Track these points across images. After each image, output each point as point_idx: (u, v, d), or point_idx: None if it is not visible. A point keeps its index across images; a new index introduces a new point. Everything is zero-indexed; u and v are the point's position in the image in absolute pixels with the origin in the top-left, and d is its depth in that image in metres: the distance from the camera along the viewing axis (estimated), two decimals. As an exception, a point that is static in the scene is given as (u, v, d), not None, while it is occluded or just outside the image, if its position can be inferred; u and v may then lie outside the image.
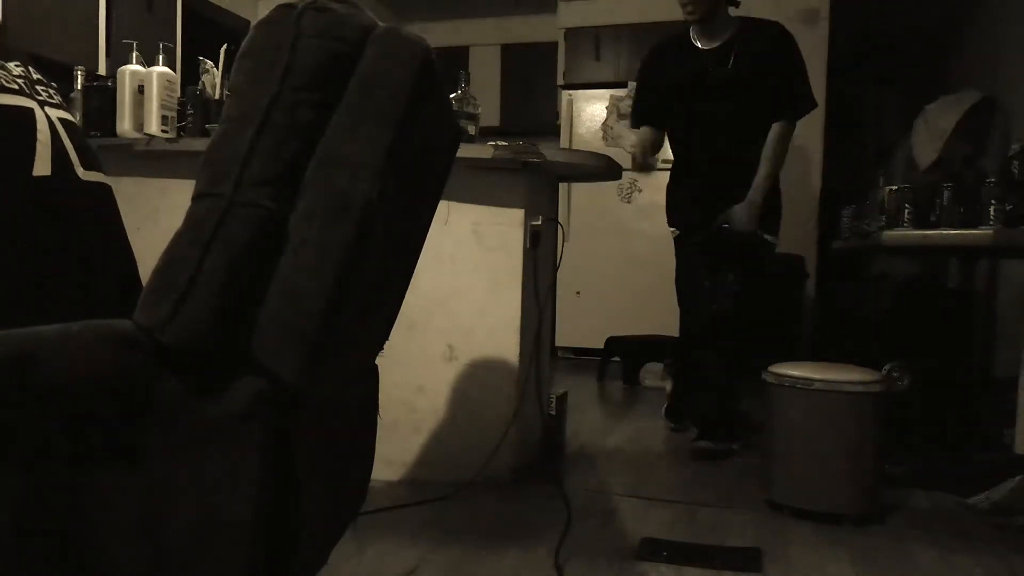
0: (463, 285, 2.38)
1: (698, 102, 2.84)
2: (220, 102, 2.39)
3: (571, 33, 5.48)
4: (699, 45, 2.87)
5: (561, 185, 3.02)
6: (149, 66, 2.38)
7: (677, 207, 3.00)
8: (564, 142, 5.24)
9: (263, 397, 0.81)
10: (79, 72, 2.47)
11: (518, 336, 2.38)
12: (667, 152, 3.03)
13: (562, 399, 2.80)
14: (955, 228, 2.88)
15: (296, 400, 0.85)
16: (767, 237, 2.84)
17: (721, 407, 2.88)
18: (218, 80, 2.44)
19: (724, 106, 2.80)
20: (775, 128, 2.79)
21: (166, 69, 2.37)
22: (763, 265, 2.90)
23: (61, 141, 0.99)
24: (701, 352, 2.91)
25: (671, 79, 2.90)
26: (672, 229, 3.02)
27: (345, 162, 0.85)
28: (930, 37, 5.46)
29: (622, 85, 5.19)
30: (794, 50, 2.80)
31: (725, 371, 2.87)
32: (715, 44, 2.83)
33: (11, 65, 0.99)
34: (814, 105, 2.83)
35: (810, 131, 4.91)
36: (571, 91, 5.31)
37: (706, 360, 2.89)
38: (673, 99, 2.90)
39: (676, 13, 3.05)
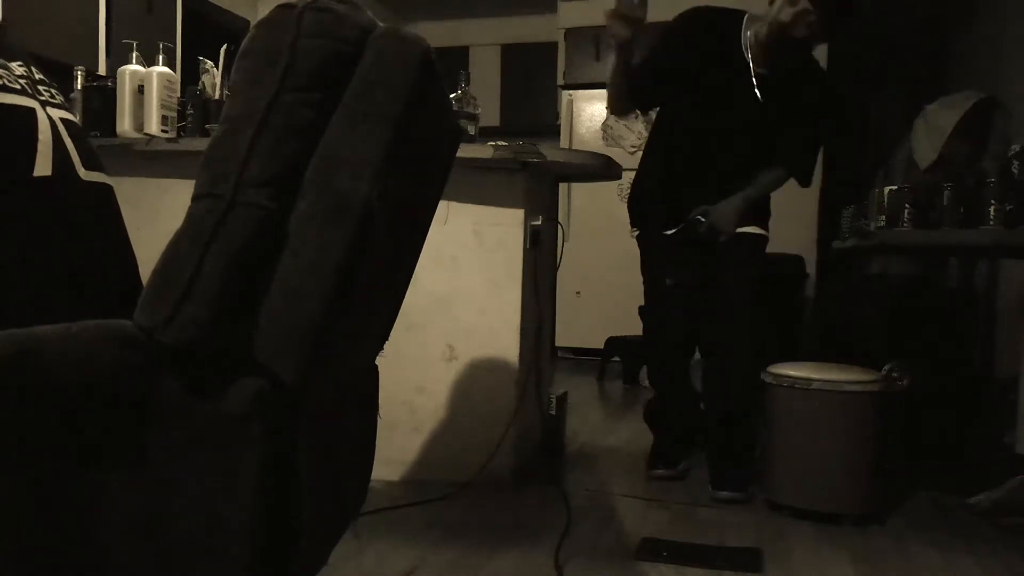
0: (463, 285, 2.38)
1: (728, 95, 2.46)
2: (220, 102, 2.38)
3: (571, 33, 5.48)
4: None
5: (561, 185, 3.01)
6: (149, 66, 2.38)
7: (653, 198, 2.62)
8: (564, 142, 5.24)
9: (263, 397, 0.81)
10: (79, 72, 2.47)
11: (518, 336, 2.38)
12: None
13: (562, 399, 2.80)
14: (955, 228, 2.88)
15: (296, 400, 0.85)
16: (761, 231, 2.57)
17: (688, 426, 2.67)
18: (218, 80, 2.44)
19: (751, 115, 2.46)
20: (777, 170, 2.54)
21: (166, 69, 2.37)
22: (762, 263, 2.59)
23: (62, 141, 0.99)
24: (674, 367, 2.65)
25: (713, 49, 2.46)
26: (634, 229, 2.67)
27: (345, 162, 0.85)
28: (930, 37, 5.46)
29: (622, 85, 5.21)
30: (832, 115, 2.59)
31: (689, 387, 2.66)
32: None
33: (14, 65, 0.99)
34: (808, 182, 2.61)
35: (810, 131, 4.90)
36: (571, 91, 5.31)
37: (679, 374, 2.64)
38: (700, 73, 2.47)
39: (675, 13, 2.80)
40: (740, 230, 2.51)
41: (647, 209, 2.64)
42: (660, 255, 2.60)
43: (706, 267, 2.54)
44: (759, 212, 2.58)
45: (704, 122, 2.51)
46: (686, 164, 2.56)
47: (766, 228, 2.61)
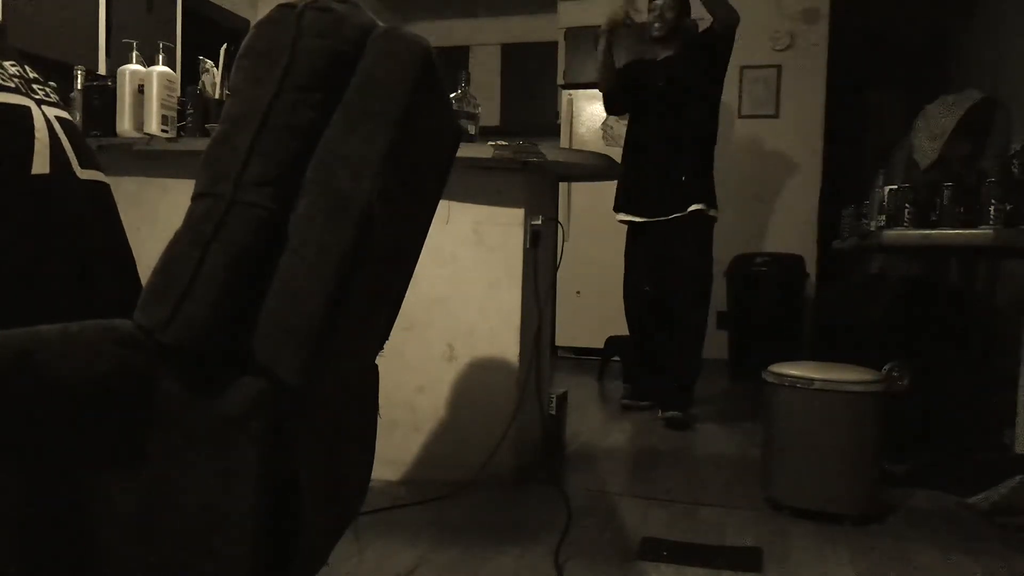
0: (463, 285, 2.38)
1: (648, 101, 3.39)
2: (220, 102, 2.38)
3: (571, 33, 5.47)
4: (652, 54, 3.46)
5: (561, 185, 3.01)
6: (149, 66, 2.38)
7: (634, 192, 3.41)
8: (564, 142, 5.24)
9: (263, 397, 0.81)
10: (79, 72, 2.46)
11: (518, 336, 2.38)
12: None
13: (562, 399, 2.80)
14: (955, 228, 2.88)
15: (296, 400, 0.85)
16: (703, 208, 3.25)
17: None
18: (218, 80, 2.44)
19: (665, 109, 3.33)
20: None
21: (166, 69, 2.37)
22: (710, 239, 3.34)
23: (59, 140, 0.99)
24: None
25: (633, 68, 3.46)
26: (629, 217, 3.41)
27: (345, 162, 0.85)
28: (930, 37, 5.46)
29: (622, 85, 5.21)
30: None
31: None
32: (664, 56, 3.41)
33: (7, 64, 0.99)
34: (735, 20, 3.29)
35: (810, 131, 4.91)
36: (571, 91, 5.31)
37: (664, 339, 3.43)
38: (632, 87, 3.43)
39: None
40: (689, 208, 3.23)
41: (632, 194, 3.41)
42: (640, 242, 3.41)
43: (667, 247, 3.33)
44: (705, 192, 3.29)
45: (650, 121, 3.39)
46: (647, 154, 3.37)
47: (714, 206, 3.31)
